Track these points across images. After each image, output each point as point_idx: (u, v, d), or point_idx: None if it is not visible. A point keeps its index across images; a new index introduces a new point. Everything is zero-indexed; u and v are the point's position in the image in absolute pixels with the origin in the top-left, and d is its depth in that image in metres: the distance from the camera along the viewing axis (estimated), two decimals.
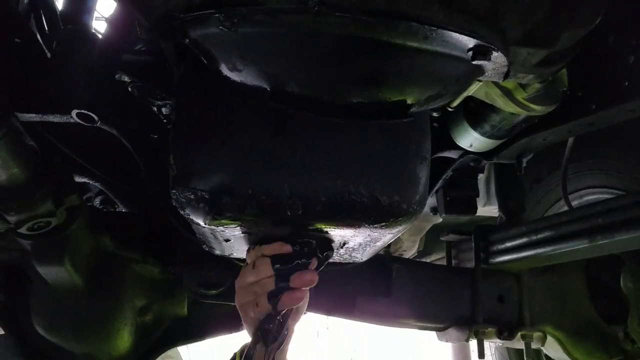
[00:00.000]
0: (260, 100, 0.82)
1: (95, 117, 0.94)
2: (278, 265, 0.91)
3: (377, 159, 0.89)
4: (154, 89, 1.71)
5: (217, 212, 0.87)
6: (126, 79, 1.71)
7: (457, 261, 1.95)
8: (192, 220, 0.92)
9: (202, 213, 0.88)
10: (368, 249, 1.08)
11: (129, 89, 1.66)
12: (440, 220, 2.57)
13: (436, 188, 1.85)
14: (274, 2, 0.62)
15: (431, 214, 2.13)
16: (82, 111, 0.92)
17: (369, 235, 0.97)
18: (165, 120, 1.57)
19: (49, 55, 1.20)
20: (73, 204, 1.16)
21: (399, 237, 2.60)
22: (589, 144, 1.90)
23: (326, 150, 0.87)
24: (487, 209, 2.48)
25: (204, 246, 1.15)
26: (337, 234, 0.96)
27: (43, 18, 1.45)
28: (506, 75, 0.87)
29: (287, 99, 0.75)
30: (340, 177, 0.87)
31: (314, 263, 0.93)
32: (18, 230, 1.10)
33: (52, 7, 1.47)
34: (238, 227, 0.93)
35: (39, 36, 1.37)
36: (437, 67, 0.73)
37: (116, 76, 1.63)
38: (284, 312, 0.91)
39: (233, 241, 1.02)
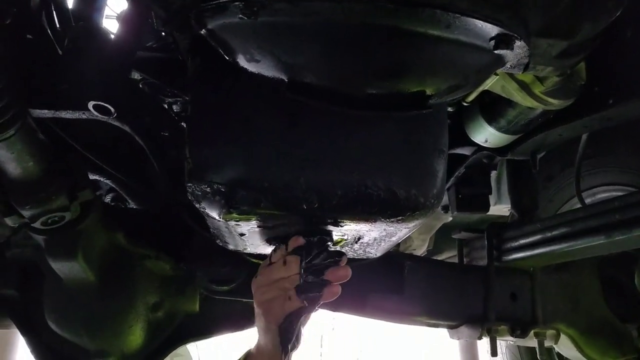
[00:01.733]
0: (276, 92, 0.81)
1: (112, 109, 0.94)
2: (308, 261, 0.92)
3: (394, 151, 0.88)
4: (165, 85, 1.71)
5: (232, 206, 0.86)
6: (137, 76, 1.72)
7: (468, 259, 1.94)
8: (207, 213, 0.92)
9: (218, 206, 0.88)
10: (383, 244, 1.07)
11: (140, 85, 1.66)
12: (450, 219, 2.56)
13: (448, 185, 1.84)
14: None
15: (442, 212, 2.12)
16: (99, 103, 0.91)
17: (384, 229, 0.96)
18: (176, 117, 1.57)
19: (60, 52, 1.20)
20: (87, 199, 1.15)
21: (409, 235, 2.60)
22: (602, 140, 1.87)
23: (342, 142, 0.86)
24: (498, 208, 2.45)
25: (218, 241, 1.15)
26: (352, 228, 0.95)
27: (54, 15, 1.45)
28: (526, 67, 0.86)
29: (304, 90, 0.75)
30: (357, 170, 0.86)
31: (345, 259, 0.94)
32: (32, 225, 1.10)
33: (64, 4, 1.47)
34: (253, 221, 0.92)
35: (50, 33, 1.37)
36: (458, 57, 0.72)
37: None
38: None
39: (248, 235, 1.01)
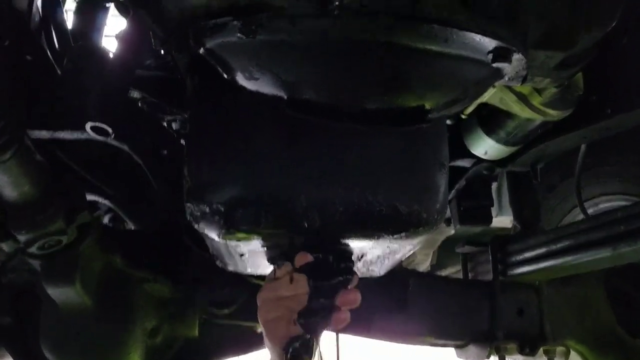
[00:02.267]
0: (275, 110, 0.81)
1: (109, 130, 0.93)
2: (314, 283, 0.86)
3: (395, 166, 0.87)
4: (164, 104, 1.71)
5: (231, 225, 0.85)
6: (137, 94, 1.72)
7: (473, 274, 1.91)
8: (206, 234, 0.90)
9: (217, 227, 0.86)
10: (387, 261, 1.05)
11: (139, 104, 1.65)
12: (453, 232, 2.54)
13: (449, 198, 1.82)
14: (293, 7, 0.61)
15: (444, 225, 2.10)
16: (97, 124, 0.90)
17: (388, 246, 0.95)
18: (175, 135, 1.56)
19: (59, 72, 1.20)
20: (84, 221, 1.14)
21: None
22: (601, 150, 1.87)
23: (343, 158, 0.85)
24: (500, 220, 2.43)
25: (218, 262, 1.13)
26: (355, 245, 0.93)
27: (54, 35, 1.45)
28: (524, 79, 0.86)
29: (304, 107, 0.74)
30: (358, 186, 0.85)
31: (356, 279, 0.88)
32: (28, 250, 1.08)
33: (63, 24, 1.48)
34: (253, 241, 0.91)
35: (49, 53, 1.37)
36: (457, 71, 0.72)
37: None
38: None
39: (248, 256, 0.99)
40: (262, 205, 0.84)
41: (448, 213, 1.95)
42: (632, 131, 1.88)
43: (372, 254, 0.99)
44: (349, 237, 0.89)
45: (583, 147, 1.54)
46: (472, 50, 0.68)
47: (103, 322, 1.32)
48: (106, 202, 1.57)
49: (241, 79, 0.75)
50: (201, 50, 0.74)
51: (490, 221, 1.87)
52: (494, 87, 1.11)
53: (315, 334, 0.86)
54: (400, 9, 0.59)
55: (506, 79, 0.82)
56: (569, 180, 2.01)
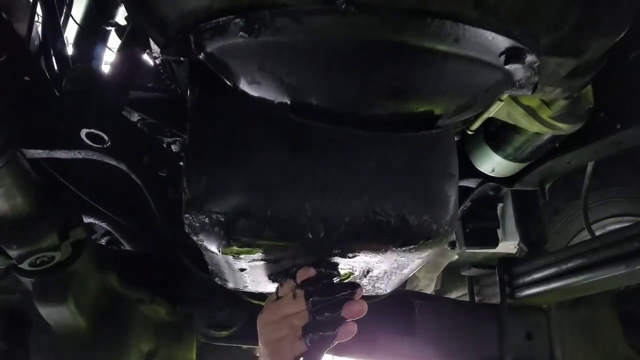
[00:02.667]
0: (278, 117, 0.78)
1: (106, 137, 0.90)
2: (320, 295, 0.83)
3: (404, 176, 0.83)
4: (163, 125, 1.70)
5: (232, 237, 0.81)
6: (137, 116, 1.71)
7: (480, 297, 1.86)
8: (205, 247, 0.86)
9: (217, 238, 0.82)
10: (393, 277, 1.01)
11: (139, 125, 1.64)
12: (457, 257, 2.49)
13: None
14: (298, 3, 0.59)
15: (449, 248, 2.05)
16: (93, 131, 0.87)
17: (395, 260, 0.91)
18: (175, 157, 1.54)
19: (57, 93, 1.19)
20: (79, 238, 1.10)
21: (414, 275, 2.52)
22: (609, 171, 1.85)
23: (349, 167, 0.81)
24: (504, 245, 2.40)
25: (217, 279, 1.08)
26: (361, 259, 0.89)
27: (53, 58, 1.45)
28: (535, 88, 0.83)
29: (309, 111, 0.71)
30: (365, 196, 0.82)
31: (360, 292, 0.85)
32: (19, 266, 1.04)
33: (63, 49, 1.48)
34: (255, 254, 0.87)
35: (48, 75, 1.37)
36: (468, 74, 0.69)
37: (126, 113, 1.62)
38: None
39: (249, 271, 0.95)
40: (265, 215, 0.80)
41: (453, 236, 1.92)
42: (636, 152, 1.87)
43: (378, 268, 0.95)
44: (355, 249, 0.85)
45: (590, 165, 1.51)
46: (483, 52, 0.66)
47: (98, 344, 1.27)
48: (103, 224, 1.54)
49: (243, 84, 0.73)
50: (202, 56, 0.72)
51: (497, 243, 1.83)
52: (501, 100, 1.09)
53: (321, 350, 0.82)
54: (411, 4, 0.57)
55: (517, 85, 0.79)
56: (574, 203, 1.98)
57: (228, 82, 0.76)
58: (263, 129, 0.80)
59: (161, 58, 0.83)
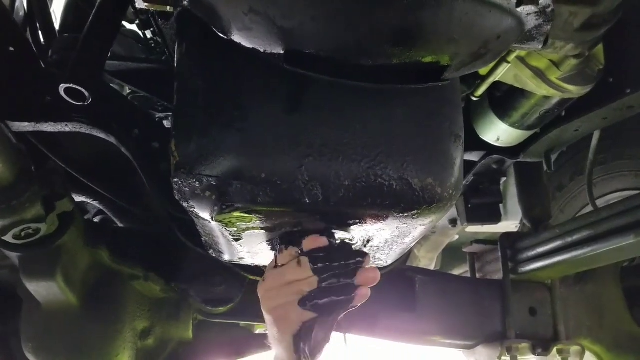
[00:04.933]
0: (272, 70, 0.73)
1: (86, 93, 0.85)
2: (327, 264, 0.79)
3: (407, 136, 0.78)
4: (155, 99, 1.64)
5: (225, 202, 0.76)
6: (127, 90, 1.65)
7: (481, 274, 1.82)
8: (197, 214, 0.81)
9: (209, 204, 0.77)
10: (395, 247, 0.96)
11: (130, 99, 1.59)
12: (457, 237, 2.46)
13: None
14: None
15: (450, 226, 2.01)
16: (71, 86, 0.82)
17: (397, 228, 0.86)
18: (168, 131, 1.49)
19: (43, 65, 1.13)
20: (65, 210, 1.05)
21: (414, 254, 2.48)
22: (614, 145, 1.80)
23: (348, 126, 0.76)
24: (506, 225, 2.36)
25: (211, 251, 1.04)
26: (362, 227, 0.85)
27: (39, 29, 1.40)
28: (546, 41, 0.78)
29: (303, 61, 0.66)
30: (366, 158, 0.77)
31: (369, 260, 0.83)
32: (3, 239, 0.99)
33: (49, 21, 1.43)
34: (250, 222, 0.82)
35: (34, 46, 1.31)
36: (478, 17, 0.64)
37: (117, 87, 1.57)
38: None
39: (244, 240, 0.91)
40: (259, 179, 0.75)
41: (454, 213, 1.88)
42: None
43: (379, 237, 0.91)
44: (356, 215, 0.81)
45: (595, 138, 1.47)
46: None
47: (89, 321, 1.23)
48: (95, 202, 1.50)
49: (234, 32, 0.67)
50: (184, 2, 0.67)
51: (499, 219, 1.79)
52: (507, 62, 1.04)
53: (334, 316, 0.80)
54: None
55: (527, 36, 0.74)
56: (579, 178, 1.94)
57: (217, 32, 0.70)
58: (255, 84, 0.75)
59: (147, 9, 0.77)
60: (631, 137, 1.78)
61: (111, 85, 1.42)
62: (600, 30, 0.85)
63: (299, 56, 0.66)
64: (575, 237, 1.33)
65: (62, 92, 0.85)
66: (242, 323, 1.42)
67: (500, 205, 2.16)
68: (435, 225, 2.15)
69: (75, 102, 0.89)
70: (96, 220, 1.65)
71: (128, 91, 1.64)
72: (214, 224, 0.83)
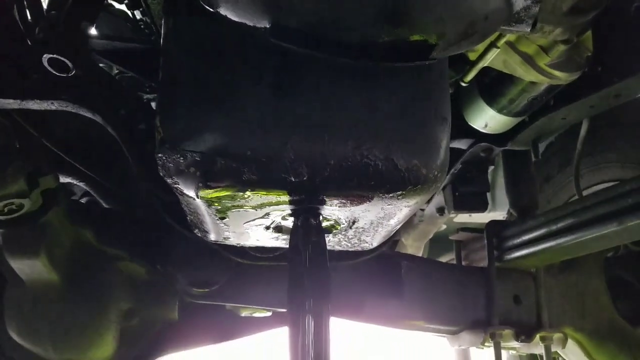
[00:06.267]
0: (258, 45, 0.72)
1: (70, 64, 0.83)
2: None
3: (393, 116, 0.78)
4: (142, 79, 1.62)
5: (210, 178, 0.76)
6: (115, 70, 1.63)
7: (467, 262, 1.84)
8: (181, 190, 0.81)
9: (193, 180, 0.77)
10: (380, 229, 0.96)
11: (118, 79, 1.57)
12: (445, 227, 2.47)
13: (444, 184, 1.75)
14: None
15: (437, 215, 2.03)
16: (54, 56, 0.81)
17: (382, 209, 0.86)
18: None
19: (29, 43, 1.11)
20: (49, 187, 1.04)
21: (402, 242, 2.50)
22: (601, 136, 1.82)
23: (335, 106, 0.76)
24: (493, 215, 2.38)
25: (196, 230, 1.03)
26: (347, 207, 0.85)
27: (26, 6, 1.37)
28: (534, 25, 0.78)
29: (290, 35, 0.65)
30: (352, 137, 0.77)
31: None
32: None
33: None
34: (235, 200, 0.82)
35: (20, 24, 1.29)
36: None
37: (105, 67, 1.55)
38: None
39: (230, 220, 0.90)
40: (244, 156, 0.75)
41: (442, 201, 1.89)
42: (630, 114, 1.83)
43: (364, 218, 0.91)
44: (341, 195, 0.81)
45: (584, 129, 1.48)
46: None
47: (73, 300, 1.23)
48: (81, 184, 1.49)
49: (220, 2, 0.66)
50: None
51: (486, 207, 1.80)
52: (497, 47, 1.04)
53: None
54: None
55: (516, 18, 0.74)
56: (567, 169, 1.95)
57: (203, 3, 0.69)
58: (242, 61, 0.74)
59: None
60: (616, 128, 1.80)
61: (100, 65, 1.41)
62: (588, 15, 0.85)
63: (285, 30, 0.65)
64: (560, 224, 1.35)
65: (45, 63, 0.84)
66: (228, 306, 1.42)
67: (489, 195, 2.19)
68: (423, 214, 2.18)
69: (58, 74, 0.87)
70: (83, 201, 1.64)
71: (116, 71, 1.62)
72: (198, 201, 0.83)
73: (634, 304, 1.73)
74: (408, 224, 2.26)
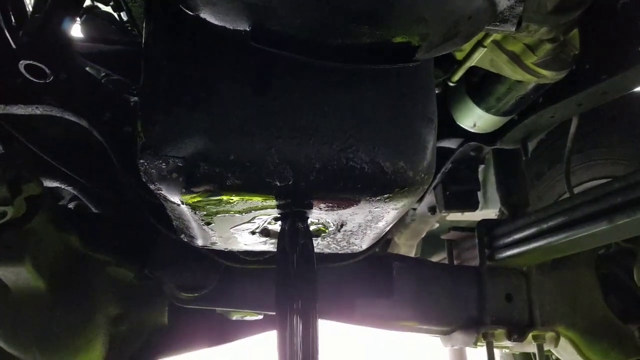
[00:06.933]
0: (241, 52, 0.71)
1: (47, 70, 0.82)
2: None
3: (379, 118, 0.77)
4: (129, 82, 1.61)
5: (193, 184, 0.74)
6: (102, 74, 1.61)
7: (459, 261, 1.83)
8: (164, 196, 0.80)
9: (177, 186, 0.76)
10: (368, 231, 0.96)
11: (104, 82, 1.55)
12: (437, 225, 2.47)
13: (435, 183, 1.74)
14: None
15: (429, 214, 2.02)
16: (31, 62, 0.79)
17: (369, 212, 0.85)
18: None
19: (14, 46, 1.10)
20: (33, 193, 1.02)
21: (394, 241, 2.49)
22: (591, 133, 1.82)
23: (319, 108, 0.75)
24: (485, 213, 2.38)
25: (183, 235, 1.02)
26: (334, 211, 0.84)
27: (9, 10, 1.35)
28: (519, 24, 0.77)
29: (271, 38, 0.64)
30: (337, 140, 0.76)
31: None
32: None
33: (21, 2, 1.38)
34: (219, 206, 0.81)
35: (5, 27, 1.27)
36: None
37: (92, 71, 1.53)
38: None
39: (215, 225, 0.89)
40: (227, 161, 0.74)
41: (433, 201, 1.89)
42: (619, 111, 1.83)
43: (352, 222, 0.90)
44: (327, 199, 0.80)
45: (573, 126, 1.48)
46: None
47: (59, 307, 1.21)
48: (69, 188, 1.47)
49: (199, 6, 0.65)
50: None
51: (477, 206, 1.80)
52: (484, 47, 1.03)
53: None
54: None
55: (500, 17, 0.73)
56: (558, 166, 1.95)
57: (183, 7, 0.68)
58: (224, 64, 0.73)
59: None
60: (606, 124, 1.80)
61: (85, 69, 1.39)
62: (574, 13, 0.85)
63: (266, 33, 0.64)
64: (551, 223, 1.35)
65: (22, 69, 0.82)
66: (218, 309, 1.41)
67: (480, 194, 2.19)
68: (415, 213, 2.17)
69: (36, 80, 0.85)
70: (70, 206, 1.62)
71: (103, 74, 1.60)
72: (183, 207, 0.82)
73: (625, 301, 1.73)
74: (400, 223, 2.26)
